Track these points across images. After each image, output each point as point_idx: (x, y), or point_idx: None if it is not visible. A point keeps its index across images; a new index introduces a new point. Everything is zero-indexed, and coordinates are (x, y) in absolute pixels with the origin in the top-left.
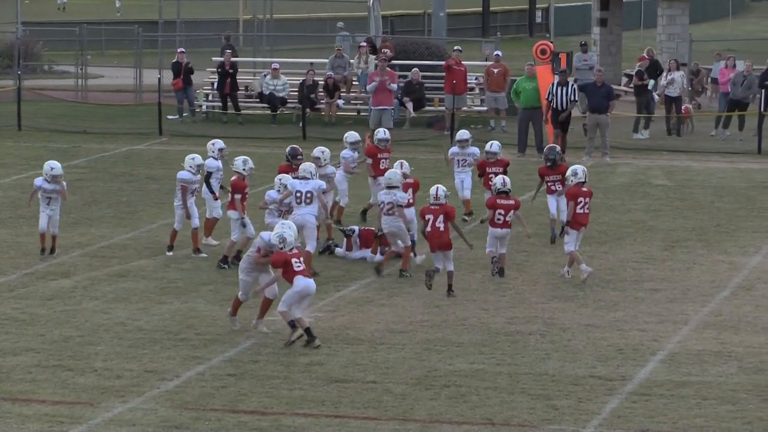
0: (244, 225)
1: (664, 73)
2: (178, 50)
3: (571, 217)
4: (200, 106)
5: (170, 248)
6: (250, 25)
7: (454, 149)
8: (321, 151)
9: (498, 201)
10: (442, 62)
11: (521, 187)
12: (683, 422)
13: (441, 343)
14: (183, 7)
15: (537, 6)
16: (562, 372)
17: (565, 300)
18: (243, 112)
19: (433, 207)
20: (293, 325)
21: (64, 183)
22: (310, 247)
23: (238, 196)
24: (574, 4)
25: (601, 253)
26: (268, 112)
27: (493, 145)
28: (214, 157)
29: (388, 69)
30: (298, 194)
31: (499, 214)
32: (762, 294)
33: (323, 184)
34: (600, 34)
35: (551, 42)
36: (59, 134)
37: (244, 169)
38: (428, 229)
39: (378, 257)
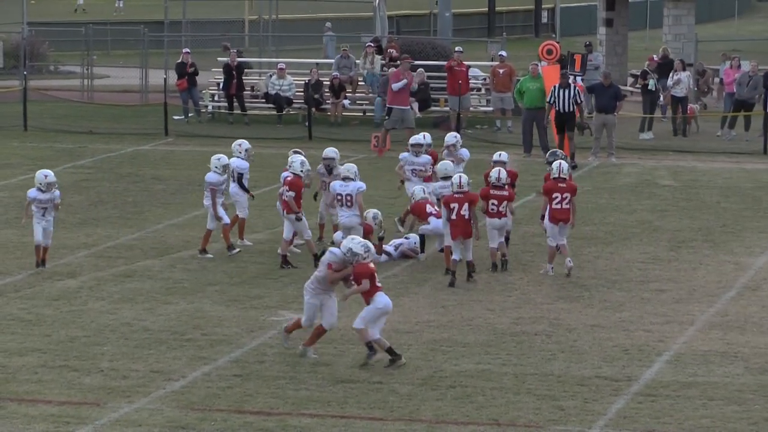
0: (299, 219)
1: (671, 74)
2: (183, 50)
3: (545, 212)
4: (206, 106)
5: (204, 251)
6: (255, 25)
7: (405, 155)
8: (333, 151)
9: (492, 192)
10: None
11: (528, 187)
12: (689, 423)
13: (447, 344)
14: (188, 8)
15: (543, 6)
16: (568, 372)
17: (571, 300)
18: (249, 112)
19: (457, 195)
20: (371, 347)
21: (58, 192)
22: None
23: (291, 194)
24: (579, 4)
25: (607, 254)
26: (274, 112)
27: (502, 155)
28: (241, 158)
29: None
30: (339, 197)
31: (493, 204)
32: None
33: (363, 185)
34: (606, 35)
35: (557, 42)
36: (65, 134)
37: (301, 171)
38: (453, 216)
39: (383, 258)
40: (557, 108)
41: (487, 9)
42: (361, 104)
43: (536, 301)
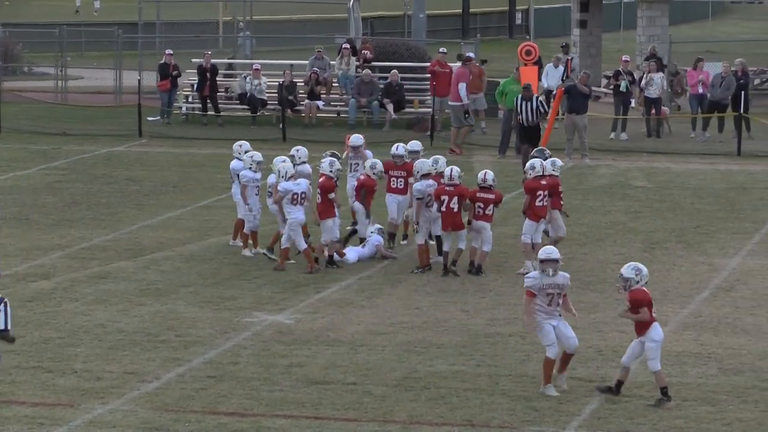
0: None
1: (644, 75)
2: (166, 52)
3: (527, 208)
4: (180, 107)
5: (270, 249)
6: (230, 26)
7: (351, 154)
8: (296, 149)
9: (478, 194)
10: (423, 64)
11: (501, 188)
12: (663, 423)
13: (421, 345)
14: (162, 9)
15: (517, 8)
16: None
17: None
18: (223, 114)
19: (447, 188)
20: (666, 392)
21: None
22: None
23: (330, 195)
24: (553, 5)
25: (581, 255)
26: (248, 113)
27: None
28: (251, 169)
29: None
30: (295, 195)
31: (479, 206)
32: (741, 295)
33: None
34: (580, 36)
35: (535, 44)
36: (39, 136)
37: (331, 171)
38: (443, 209)
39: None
40: (521, 120)
41: (461, 10)
42: (335, 105)
43: (511, 302)
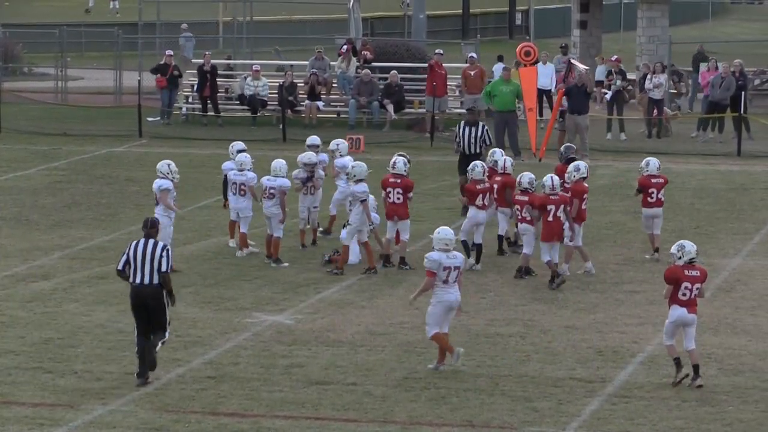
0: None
1: (649, 76)
2: (166, 52)
3: (575, 213)
4: (180, 108)
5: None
6: (229, 27)
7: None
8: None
9: (476, 186)
10: (423, 64)
11: None
12: (663, 424)
13: (421, 345)
14: (162, 9)
15: (517, 8)
16: (542, 374)
17: (545, 302)
18: (223, 114)
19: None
20: (678, 362)
21: None
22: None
23: (410, 195)
24: (553, 6)
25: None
26: (248, 114)
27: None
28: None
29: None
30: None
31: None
32: (741, 296)
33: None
34: (580, 36)
35: (534, 45)
36: (39, 136)
37: (405, 171)
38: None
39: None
40: (462, 149)
41: (461, 11)
42: (335, 106)
43: (510, 302)
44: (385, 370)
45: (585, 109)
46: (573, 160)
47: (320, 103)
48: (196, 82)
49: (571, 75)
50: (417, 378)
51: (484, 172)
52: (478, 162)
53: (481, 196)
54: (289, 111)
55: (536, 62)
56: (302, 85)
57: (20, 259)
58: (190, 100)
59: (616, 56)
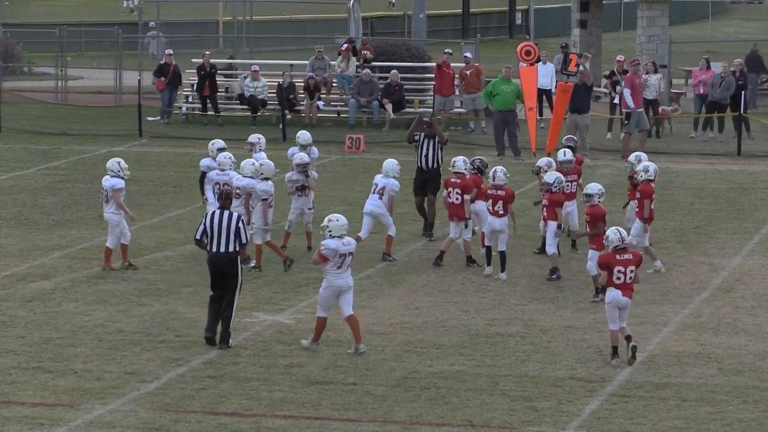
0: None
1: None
2: (166, 52)
3: (647, 214)
4: (180, 107)
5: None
6: (229, 26)
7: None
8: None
9: (489, 192)
10: (422, 64)
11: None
12: (663, 424)
13: (421, 345)
14: (162, 9)
15: (517, 8)
16: (542, 374)
17: (545, 302)
18: (223, 114)
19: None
20: (615, 350)
21: None
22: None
23: (468, 196)
24: (554, 5)
25: (581, 255)
26: (248, 113)
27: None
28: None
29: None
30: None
31: (493, 204)
32: (741, 296)
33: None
34: (580, 36)
35: (535, 44)
36: (39, 136)
37: (465, 169)
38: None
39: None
40: (419, 163)
41: (461, 10)
42: (335, 105)
43: (510, 302)
44: (385, 370)
45: (586, 108)
46: (572, 149)
47: (320, 103)
48: (196, 81)
49: (571, 66)
50: (417, 378)
51: (502, 177)
52: (459, 157)
53: (491, 201)
54: (287, 111)
55: (537, 61)
56: (302, 84)
57: (20, 258)
58: (190, 99)
59: (620, 57)
